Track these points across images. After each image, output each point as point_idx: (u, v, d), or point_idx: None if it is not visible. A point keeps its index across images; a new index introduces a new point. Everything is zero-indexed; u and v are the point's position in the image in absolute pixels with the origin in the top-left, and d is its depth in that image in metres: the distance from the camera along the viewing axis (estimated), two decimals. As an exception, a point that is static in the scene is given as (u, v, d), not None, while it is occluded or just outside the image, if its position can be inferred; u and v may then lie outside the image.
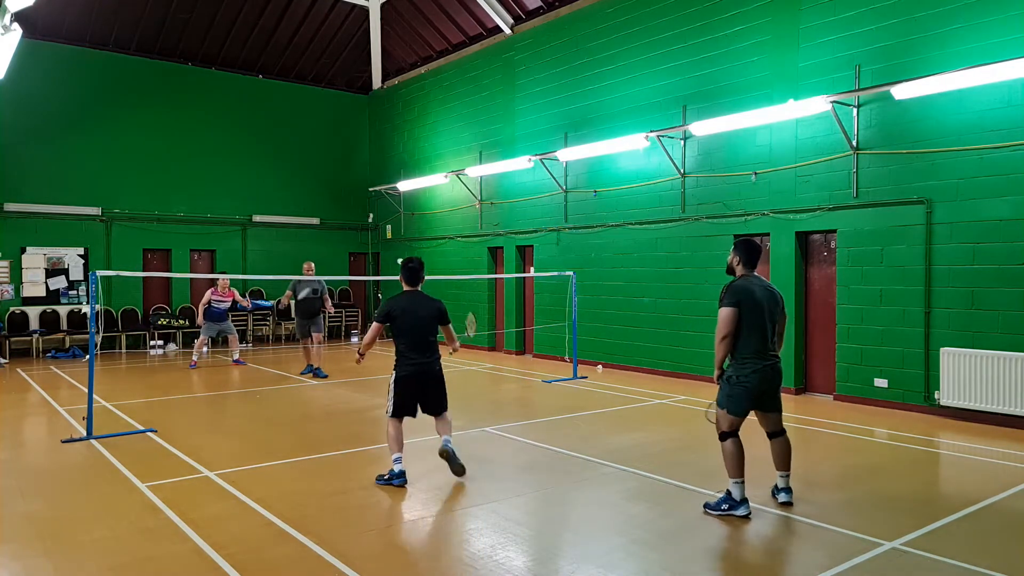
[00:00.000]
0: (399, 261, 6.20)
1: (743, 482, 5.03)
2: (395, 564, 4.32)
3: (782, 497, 5.26)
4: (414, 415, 6.02)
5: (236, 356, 13.56)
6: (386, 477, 5.88)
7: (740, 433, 5.14)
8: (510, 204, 14.99)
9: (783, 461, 5.26)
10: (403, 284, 6.19)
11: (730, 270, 5.34)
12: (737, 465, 5.03)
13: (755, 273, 5.26)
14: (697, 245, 11.22)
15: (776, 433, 5.26)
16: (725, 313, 5.02)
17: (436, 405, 6.07)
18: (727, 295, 5.08)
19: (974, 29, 8.20)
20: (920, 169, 8.70)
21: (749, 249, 5.24)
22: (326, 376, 11.78)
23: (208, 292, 13.00)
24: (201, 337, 13.08)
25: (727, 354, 5.10)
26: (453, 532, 4.89)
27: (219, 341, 13.93)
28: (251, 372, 12.34)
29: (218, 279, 13.04)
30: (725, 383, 5.13)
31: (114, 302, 15.95)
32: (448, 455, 5.93)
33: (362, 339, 5.85)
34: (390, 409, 5.97)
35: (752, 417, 5.23)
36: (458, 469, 5.94)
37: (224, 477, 6.04)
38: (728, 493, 5.06)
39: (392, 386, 5.95)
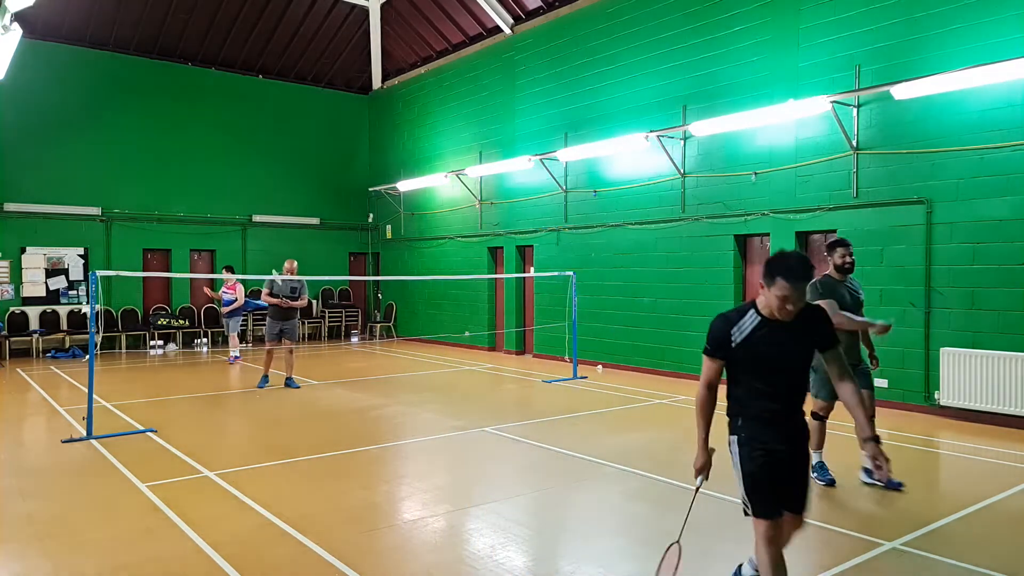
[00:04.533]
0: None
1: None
2: (395, 564, 4.31)
3: None
4: (779, 513, 3.42)
5: (235, 354, 13.71)
6: None
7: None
8: (510, 204, 14.99)
9: None
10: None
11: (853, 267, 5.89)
12: None
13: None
14: (697, 245, 11.21)
15: None
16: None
17: (803, 495, 3.56)
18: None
19: (974, 29, 8.20)
20: (920, 169, 8.69)
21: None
22: (299, 387, 10.70)
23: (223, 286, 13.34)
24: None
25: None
26: (453, 532, 4.89)
27: (219, 340, 13.93)
28: (250, 372, 12.33)
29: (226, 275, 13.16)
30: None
31: (114, 302, 15.94)
32: None
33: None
34: (750, 506, 3.44)
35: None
36: None
37: (224, 477, 6.03)
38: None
39: (741, 464, 3.49)
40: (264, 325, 11.26)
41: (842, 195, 9.42)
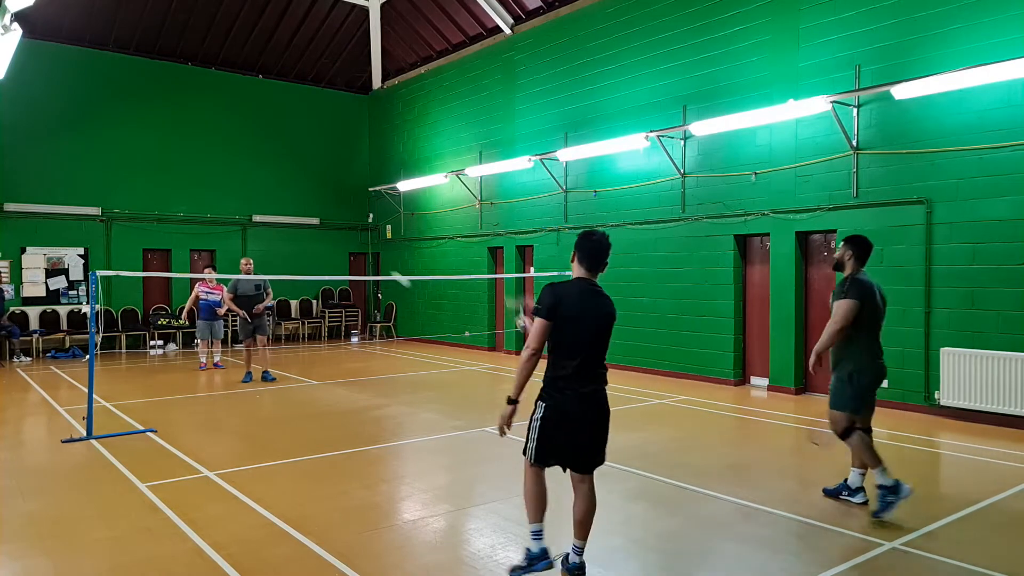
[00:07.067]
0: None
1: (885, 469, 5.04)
2: (395, 564, 4.31)
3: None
4: (564, 467, 4.13)
5: (217, 359, 13.08)
6: (524, 566, 4.06)
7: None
8: (510, 204, 14.99)
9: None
10: (577, 267, 4.18)
11: (840, 265, 5.33)
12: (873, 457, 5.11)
13: (863, 270, 5.28)
14: (697, 245, 11.22)
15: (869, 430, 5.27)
16: (849, 305, 5.03)
17: (590, 458, 4.09)
18: (851, 288, 5.09)
19: (974, 29, 8.21)
20: (920, 169, 8.70)
21: (864, 245, 5.27)
22: (274, 379, 11.24)
23: (197, 286, 12.65)
24: (199, 341, 12.78)
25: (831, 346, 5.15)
26: (453, 532, 4.89)
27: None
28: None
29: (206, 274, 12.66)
30: (845, 383, 5.13)
31: (114, 302, 15.94)
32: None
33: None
34: (532, 453, 4.14)
35: None
36: None
37: (224, 477, 6.04)
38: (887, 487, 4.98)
39: (537, 421, 4.24)
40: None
41: (842, 195, 9.42)
